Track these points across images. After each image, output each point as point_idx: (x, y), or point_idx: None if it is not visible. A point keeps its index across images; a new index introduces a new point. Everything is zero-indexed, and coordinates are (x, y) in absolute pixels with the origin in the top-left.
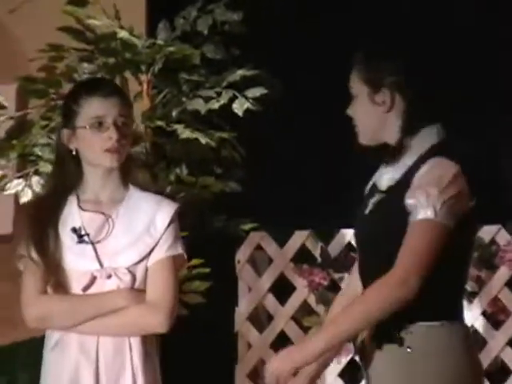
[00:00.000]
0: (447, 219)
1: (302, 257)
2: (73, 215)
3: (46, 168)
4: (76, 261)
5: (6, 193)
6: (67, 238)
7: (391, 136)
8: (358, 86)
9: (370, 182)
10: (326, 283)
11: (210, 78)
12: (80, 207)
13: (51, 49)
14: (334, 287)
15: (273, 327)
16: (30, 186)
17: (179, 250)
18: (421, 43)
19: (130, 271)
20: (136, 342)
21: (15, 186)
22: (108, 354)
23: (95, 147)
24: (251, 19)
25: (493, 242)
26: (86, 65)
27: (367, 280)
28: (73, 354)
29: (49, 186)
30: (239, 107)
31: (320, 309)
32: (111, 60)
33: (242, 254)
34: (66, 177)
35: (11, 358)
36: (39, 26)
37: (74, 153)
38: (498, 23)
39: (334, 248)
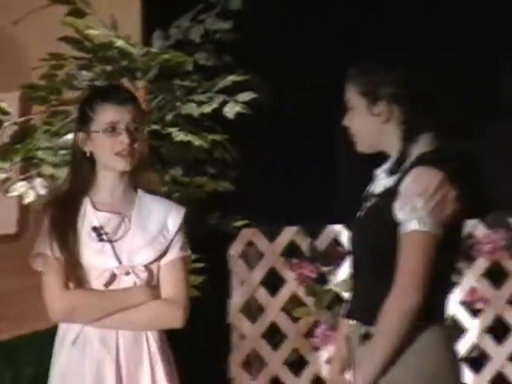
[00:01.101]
0: (435, 228)
1: (292, 251)
2: (89, 215)
3: (49, 170)
4: (96, 258)
5: (9, 194)
6: (86, 237)
7: (390, 145)
8: (355, 98)
9: (368, 188)
10: (314, 276)
11: (202, 83)
12: (95, 207)
13: (52, 58)
14: (323, 280)
15: (264, 318)
16: (33, 188)
17: (188, 250)
18: (415, 52)
19: (146, 269)
20: (152, 334)
21: (19, 187)
22: (127, 345)
23: (108, 150)
24: (242, 27)
25: (471, 235)
26: (84, 72)
27: (358, 276)
28: (95, 348)
29: (65, 186)
30: (230, 111)
31: (309, 301)
32: (109, 67)
33: (235, 250)
34: (82, 178)
35: (15, 353)
36: (41, 36)
37: (88, 155)
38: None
39: (322, 243)
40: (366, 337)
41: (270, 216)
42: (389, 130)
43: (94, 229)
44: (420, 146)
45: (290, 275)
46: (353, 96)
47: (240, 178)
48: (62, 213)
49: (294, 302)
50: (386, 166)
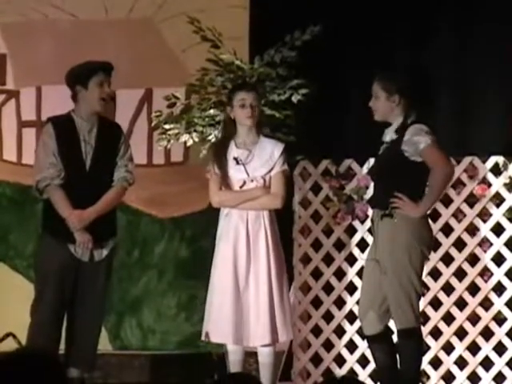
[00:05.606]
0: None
1: (327, 172)
2: (233, 150)
3: (199, 129)
4: (235, 173)
5: (179, 141)
6: (230, 161)
7: (394, 118)
8: (378, 91)
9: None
10: (337, 186)
11: (281, 84)
12: (236, 146)
13: (202, 69)
14: (342, 188)
15: (312, 207)
16: (192, 138)
17: (286, 167)
18: (414, 67)
19: (262, 178)
20: (265, 212)
21: (183, 137)
22: (252, 218)
23: (241, 116)
24: (303, 55)
25: None
26: (219, 78)
27: (377, 185)
28: (234, 219)
29: (222, 136)
30: (295, 98)
31: (335, 199)
32: (231, 75)
33: (297, 171)
34: (230, 131)
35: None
36: (198, 56)
37: (232, 118)
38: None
39: (342, 168)
40: (384, 215)
41: (313, 153)
42: (396, 111)
43: (234, 158)
44: (411, 119)
45: (325, 185)
46: (378, 89)
47: (299, 133)
48: (221, 150)
49: (326, 198)
50: (390, 128)
